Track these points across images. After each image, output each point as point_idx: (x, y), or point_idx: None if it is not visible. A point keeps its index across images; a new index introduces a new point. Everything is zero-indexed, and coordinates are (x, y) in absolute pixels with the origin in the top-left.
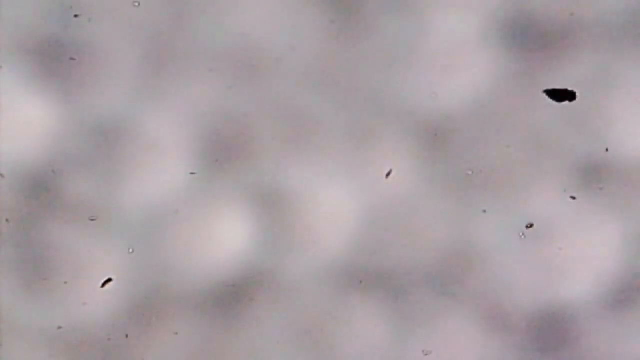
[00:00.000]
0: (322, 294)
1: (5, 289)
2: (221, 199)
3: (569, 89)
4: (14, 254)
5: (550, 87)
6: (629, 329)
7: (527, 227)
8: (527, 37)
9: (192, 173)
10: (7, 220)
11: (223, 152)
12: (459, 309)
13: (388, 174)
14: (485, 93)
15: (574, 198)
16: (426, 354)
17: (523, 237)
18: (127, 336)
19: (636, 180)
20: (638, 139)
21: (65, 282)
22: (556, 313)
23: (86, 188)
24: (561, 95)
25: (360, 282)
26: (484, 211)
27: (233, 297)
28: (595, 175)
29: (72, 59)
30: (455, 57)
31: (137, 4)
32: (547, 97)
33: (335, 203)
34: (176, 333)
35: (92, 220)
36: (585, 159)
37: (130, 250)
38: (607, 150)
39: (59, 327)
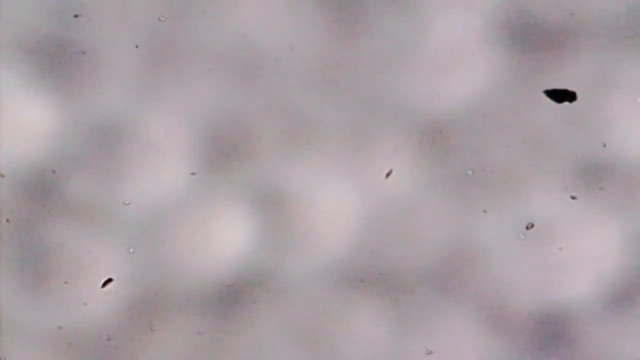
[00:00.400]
0: (322, 294)
1: (5, 289)
2: (221, 199)
3: (569, 89)
4: (14, 254)
5: (551, 87)
6: (629, 328)
7: (527, 227)
8: (528, 38)
9: (192, 173)
10: (7, 221)
11: (223, 152)
12: (460, 309)
13: (388, 174)
14: (486, 93)
15: (574, 198)
16: (428, 353)
17: (523, 237)
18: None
19: (636, 180)
20: (638, 139)
21: (66, 282)
22: (556, 313)
23: (86, 188)
24: (561, 95)
25: (361, 281)
26: (484, 211)
27: (233, 297)
28: (595, 175)
29: (77, 53)
30: (456, 57)
31: (138, 4)
32: (547, 98)
33: (336, 203)
34: (176, 333)
35: (92, 220)
36: (586, 158)
37: (130, 250)
38: (604, 145)
39: (59, 327)
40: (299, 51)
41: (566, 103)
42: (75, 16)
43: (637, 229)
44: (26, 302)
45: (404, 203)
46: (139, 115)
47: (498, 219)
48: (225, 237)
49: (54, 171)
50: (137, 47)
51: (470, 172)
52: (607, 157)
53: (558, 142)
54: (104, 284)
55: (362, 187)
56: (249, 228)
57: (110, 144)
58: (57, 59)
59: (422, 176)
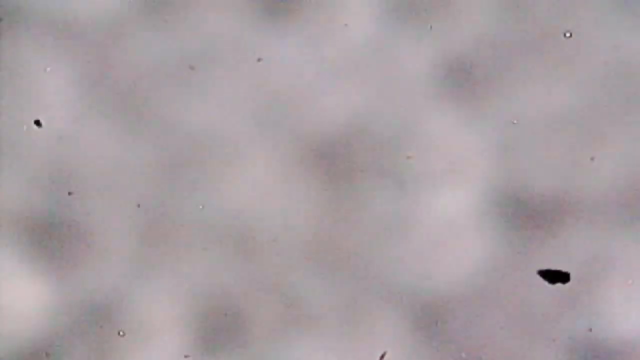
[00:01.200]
0: None
1: None
2: None
3: (563, 270)
4: None
5: (545, 267)
6: None
7: None
8: (521, 216)
9: (186, 356)
10: None
11: (217, 334)
12: None
13: (382, 357)
14: (479, 273)
15: None
16: None
17: None
18: None
19: None
20: (631, 322)
21: None
22: None
23: None
24: (555, 276)
25: None
26: None
27: None
28: (585, 358)
29: (69, 231)
30: (449, 236)
31: (131, 182)
32: (541, 278)
33: None
34: None
35: None
36: (576, 341)
37: None
38: (590, 330)
39: None
40: (292, 230)
41: (559, 284)
42: (69, 194)
43: None
44: None
45: None
46: (132, 296)
47: None
48: None
49: (47, 354)
50: (130, 225)
51: (464, 355)
52: (595, 340)
53: (550, 323)
54: None
55: None
56: None
57: (103, 325)
58: (49, 238)
59: (416, 358)
